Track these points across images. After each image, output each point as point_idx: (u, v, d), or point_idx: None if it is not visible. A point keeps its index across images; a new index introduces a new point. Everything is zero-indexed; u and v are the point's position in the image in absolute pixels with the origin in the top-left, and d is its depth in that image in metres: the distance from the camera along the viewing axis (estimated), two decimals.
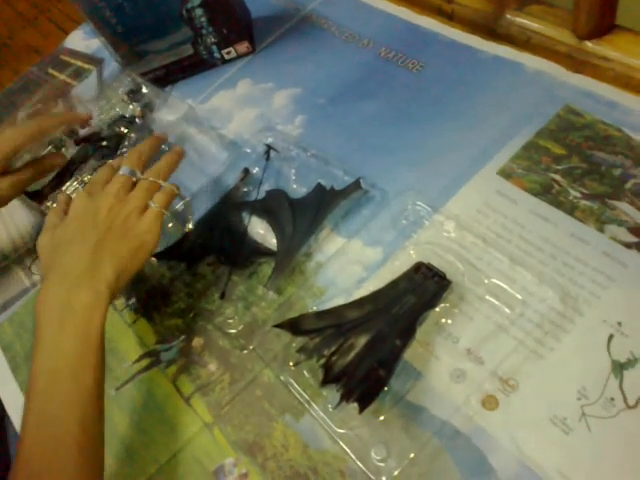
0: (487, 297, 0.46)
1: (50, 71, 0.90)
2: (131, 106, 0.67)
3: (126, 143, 0.63)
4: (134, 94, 0.68)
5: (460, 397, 0.43)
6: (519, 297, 0.45)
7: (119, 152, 0.63)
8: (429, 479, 0.41)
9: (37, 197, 0.63)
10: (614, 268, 0.45)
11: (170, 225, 0.60)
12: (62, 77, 0.87)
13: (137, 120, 0.65)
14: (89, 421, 0.41)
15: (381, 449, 0.42)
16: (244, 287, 0.54)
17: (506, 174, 0.52)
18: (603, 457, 0.39)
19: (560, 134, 0.53)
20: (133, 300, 0.57)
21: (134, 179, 0.51)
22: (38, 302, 0.44)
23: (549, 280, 0.45)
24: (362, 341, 0.44)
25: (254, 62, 0.74)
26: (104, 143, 0.63)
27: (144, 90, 0.69)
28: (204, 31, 0.69)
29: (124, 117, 0.65)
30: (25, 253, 0.67)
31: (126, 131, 0.65)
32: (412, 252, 0.49)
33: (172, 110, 0.68)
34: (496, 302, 0.45)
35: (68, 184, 0.61)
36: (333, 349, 0.44)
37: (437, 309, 0.46)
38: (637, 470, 0.38)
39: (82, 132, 0.65)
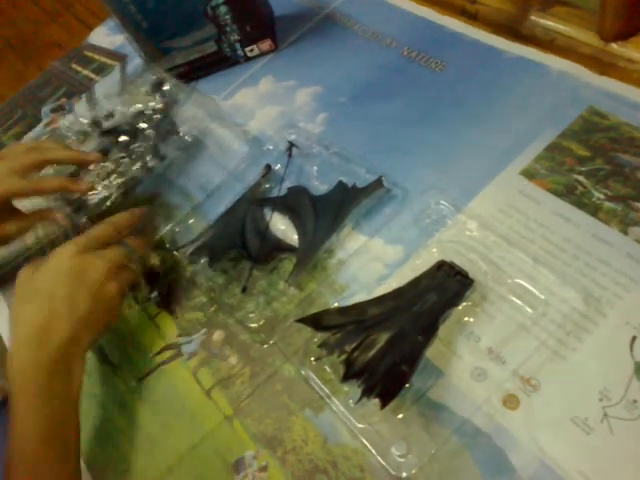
0: (510, 297, 0.46)
1: (73, 66, 0.91)
2: (156, 98, 0.67)
3: (151, 134, 0.64)
4: (158, 88, 0.69)
5: (481, 396, 0.43)
6: (542, 297, 0.45)
7: (134, 146, 0.64)
8: (449, 476, 0.41)
9: None
10: (638, 270, 0.45)
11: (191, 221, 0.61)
12: (85, 72, 0.89)
13: (159, 114, 0.66)
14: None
15: (402, 445, 0.42)
16: (265, 282, 0.54)
17: (529, 174, 0.52)
18: (625, 459, 0.39)
19: (584, 135, 0.53)
20: (155, 294, 0.58)
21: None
22: None
23: (572, 281, 0.45)
24: (384, 337, 0.44)
25: (277, 60, 0.74)
26: (129, 134, 0.63)
27: (168, 84, 0.69)
28: (228, 28, 0.70)
29: (149, 109, 0.66)
30: (38, 251, 0.67)
31: (145, 126, 0.65)
32: (435, 250, 0.50)
33: (196, 104, 0.69)
34: (518, 302, 0.45)
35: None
36: (354, 345, 0.45)
37: (459, 308, 0.46)
38: None
39: (106, 124, 0.65)
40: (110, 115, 0.67)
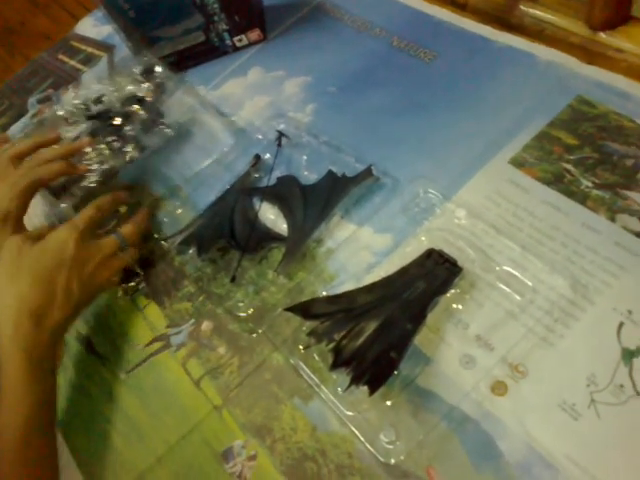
0: (498, 284, 0.46)
1: (60, 57, 0.90)
2: (144, 85, 0.67)
3: (135, 122, 0.64)
4: (147, 74, 0.68)
5: (469, 383, 0.43)
6: (530, 284, 0.45)
7: (126, 129, 0.63)
8: (437, 462, 0.41)
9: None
10: (625, 257, 0.45)
11: (180, 211, 0.61)
12: (72, 63, 0.88)
13: (147, 99, 0.65)
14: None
15: (390, 432, 0.42)
16: (254, 272, 0.54)
17: (518, 163, 0.52)
18: (611, 443, 0.39)
19: (572, 124, 0.53)
20: (143, 285, 0.57)
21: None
22: None
23: (560, 268, 0.45)
24: (373, 325, 0.44)
25: (265, 50, 0.74)
26: (114, 121, 0.63)
27: (158, 70, 0.69)
28: (216, 18, 0.69)
29: (135, 96, 0.65)
30: None
31: (137, 109, 0.65)
32: (423, 239, 0.49)
33: (183, 94, 0.68)
34: (507, 289, 0.46)
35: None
36: (343, 333, 0.44)
37: (448, 295, 0.46)
38: None
39: (94, 109, 0.65)
40: (99, 100, 0.66)
